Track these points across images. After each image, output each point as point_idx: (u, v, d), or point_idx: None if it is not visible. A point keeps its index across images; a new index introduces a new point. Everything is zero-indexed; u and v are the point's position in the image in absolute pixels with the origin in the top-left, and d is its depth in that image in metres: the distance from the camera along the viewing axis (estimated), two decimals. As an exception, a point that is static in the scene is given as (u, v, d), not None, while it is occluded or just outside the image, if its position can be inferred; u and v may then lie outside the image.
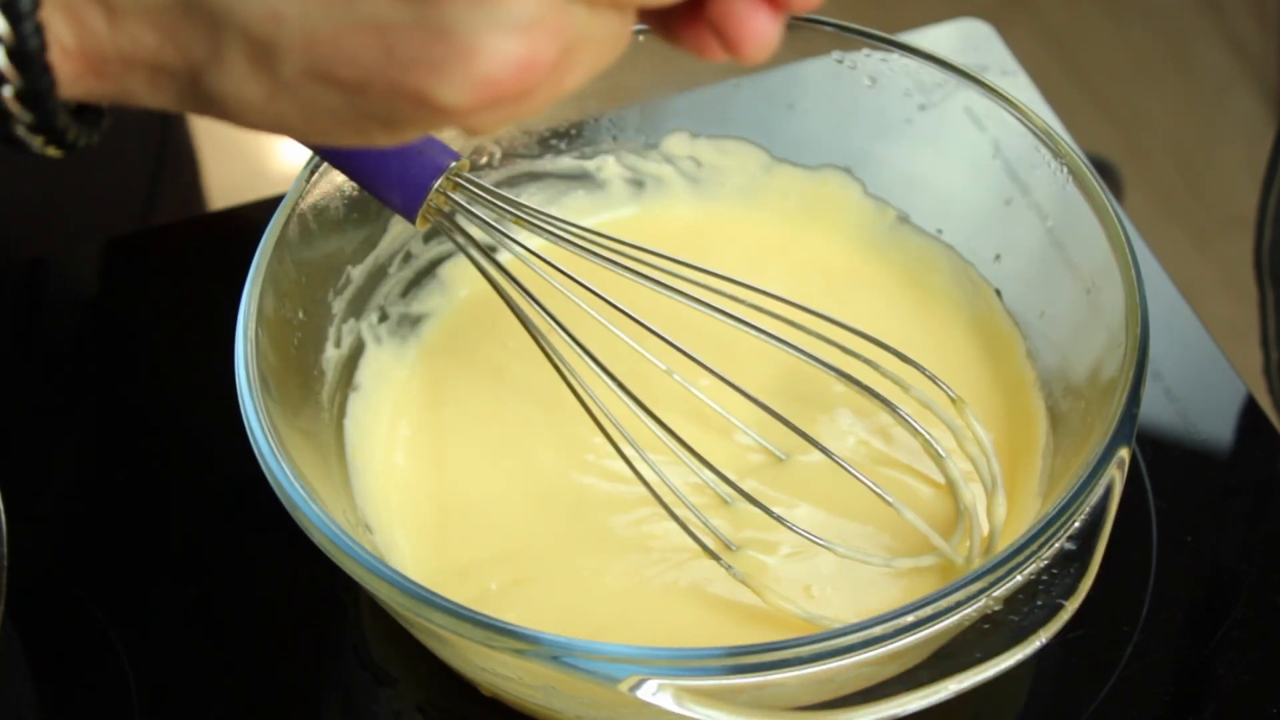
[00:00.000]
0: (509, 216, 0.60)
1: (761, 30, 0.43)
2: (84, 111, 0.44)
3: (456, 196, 0.58)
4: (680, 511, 0.61)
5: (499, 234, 0.60)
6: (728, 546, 0.61)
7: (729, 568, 0.60)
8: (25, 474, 0.68)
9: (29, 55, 0.41)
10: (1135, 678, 0.63)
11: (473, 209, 0.58)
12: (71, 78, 0.42)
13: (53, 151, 0.44)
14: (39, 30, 0.41)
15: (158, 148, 0.95)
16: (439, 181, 0.57)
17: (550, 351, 0.60)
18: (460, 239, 0.59)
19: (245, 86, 0.41)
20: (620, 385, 0.60)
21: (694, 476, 0.63)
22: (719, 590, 0.61)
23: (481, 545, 0.63)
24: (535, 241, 0.61)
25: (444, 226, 0.59)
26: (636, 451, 0.61)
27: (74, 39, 0.41)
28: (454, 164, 0.57)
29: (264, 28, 0.40)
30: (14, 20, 0.40)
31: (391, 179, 0.57)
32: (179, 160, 0.99)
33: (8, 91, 0.41)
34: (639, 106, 0.73)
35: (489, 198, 0.59)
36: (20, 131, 0.43)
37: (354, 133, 0.43)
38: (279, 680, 0.65)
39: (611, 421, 0.61)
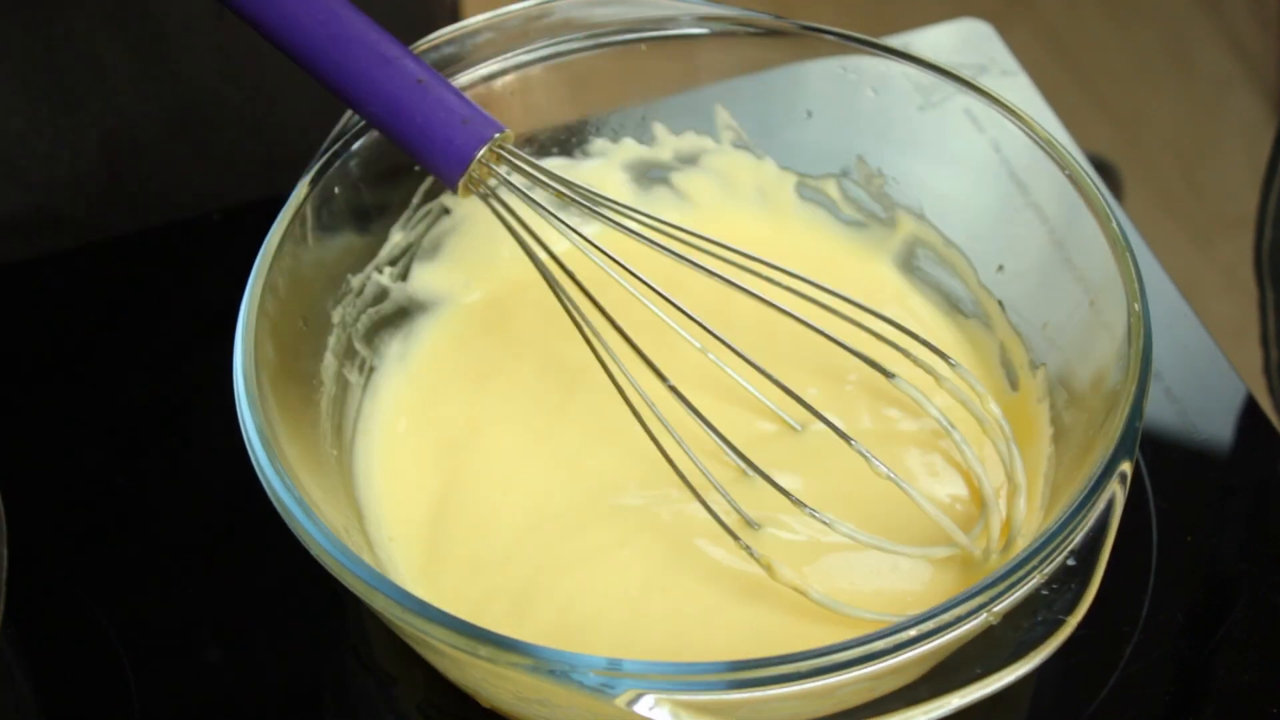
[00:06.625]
0: (550, 191, 0.62)
1: None
2: None
3: (499, 168, 0.60)
4: (704, 490, 0.60)
5: (542, 209, 0.62)
6: (749, 525, 0.61)
7: (748, 548, 0.59)
8: (25, 474, 0.68)
9: None
10: (1135, 678, 0.64)
11: (513, 180, 0.61)
12: None
13: None
14: None
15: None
16: (482, 151, 0.59)
17: (580, 321, 0.61)
18: (498, 205, 0.61)
19: None
20: (649, 363, 0.61)
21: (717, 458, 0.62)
22: (725, 615, 0.60)
23: (481, 551, 0.63)
24: (574, 221, 0.62)
25: (483, 192, 0.61)
26: (663, 425, 0.61)
27: None
28: (498, 135, 0.60)
29: None
30: None
31: (436, 145, 0.60)
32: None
33: None
34: (639, 107, 0.73)
35: (530, 170, 0.61)
36: None
37: None
38: (279, 680, 0.65)
39: (642, 396, 0.61)
